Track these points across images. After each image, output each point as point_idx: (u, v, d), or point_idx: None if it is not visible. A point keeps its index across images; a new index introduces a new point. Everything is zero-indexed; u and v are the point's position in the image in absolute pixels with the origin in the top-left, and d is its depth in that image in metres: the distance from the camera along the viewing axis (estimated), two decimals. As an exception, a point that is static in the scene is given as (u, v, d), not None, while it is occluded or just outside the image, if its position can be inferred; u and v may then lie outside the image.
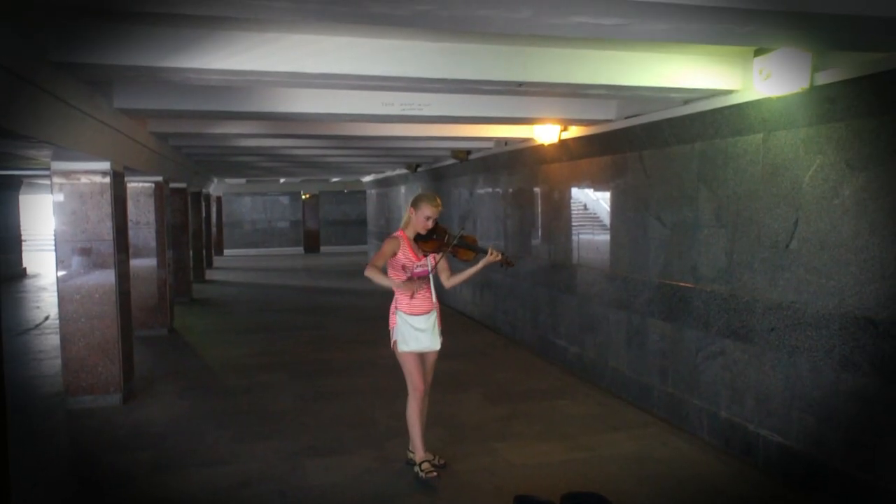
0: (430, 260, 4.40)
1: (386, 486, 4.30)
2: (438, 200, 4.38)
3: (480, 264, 4.39)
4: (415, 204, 4.35)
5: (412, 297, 4.30)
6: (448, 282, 4.48)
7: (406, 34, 3.92)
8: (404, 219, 4.42)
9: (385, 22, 3.04)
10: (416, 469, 4.38)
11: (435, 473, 4.32)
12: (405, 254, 4.32)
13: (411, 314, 4.32)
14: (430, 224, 4.32)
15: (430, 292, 4.39)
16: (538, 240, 8.22)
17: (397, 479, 4.38)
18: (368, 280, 4.20)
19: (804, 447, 4.21)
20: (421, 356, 4.40)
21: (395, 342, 4.36)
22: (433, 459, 4.51)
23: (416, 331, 4.31)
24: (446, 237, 4.39)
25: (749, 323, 4.61)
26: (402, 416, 4.57)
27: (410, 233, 4.37)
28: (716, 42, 3.59)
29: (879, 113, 3.67)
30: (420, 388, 4.37)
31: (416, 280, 4.33)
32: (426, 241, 4.35)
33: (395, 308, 4.36)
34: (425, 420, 4.54)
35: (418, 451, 4.42)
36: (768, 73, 4.05)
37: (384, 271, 4.28)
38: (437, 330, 4.42)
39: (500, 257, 4.30)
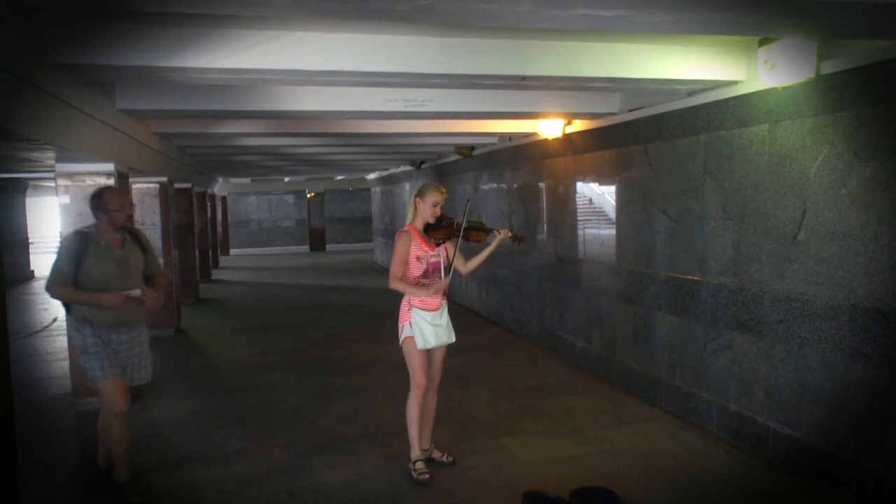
0: (442, 251, 4.39)
1: (394, 484, 4.29)
2: (443, 188, 4.41)
3: (494, 244, 4.42)
4: (420, 193, 4.36)
5: (438, 291, 4.29)
6: (464, 267, 4.46)
7: (407, 30, 3.90)
8: (410, 212, 4.44)
9: (386, 17, 3.03)
10: (410, 466, 4.37)
11: (427, 475, 4.30)
12: (418, 246, 4.32)
13: (426, 310, 4.30)
14: (437, 211, 4.35)
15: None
16: (543, 235, 8.19)
17: (406, 477, 4.37)
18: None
19: (814, 439, 4.18)
20: (428, 353, 4.40)
21: (407, 338, 4.32)
22: (441, 456, 4.54)
23: (433, 326, 4.30)
24: (455, 223, 4.40)
25: (757, 315, 4.58)
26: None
27: (419, 224, 4.38)
28: (719, 32, 3.56)
29: (887, 101, 3.63)
30: (422, 386, 4.36)
31: (435, 276, 4.34)
32: (436, 229, 4.37)
33: (410, 304, 4.33)
34: (433, 416, 4.55)
35: (414, 449, 4.40)
36: (773, 63, 4.02)
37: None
38: (450, 323, 4.42)
39: (510, 234, 4.40)
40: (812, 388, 4.17)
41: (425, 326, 4.28)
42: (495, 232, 4.39)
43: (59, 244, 4.07)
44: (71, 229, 4.21)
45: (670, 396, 5.60)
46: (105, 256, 3.99)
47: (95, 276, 3.92)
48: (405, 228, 4.37)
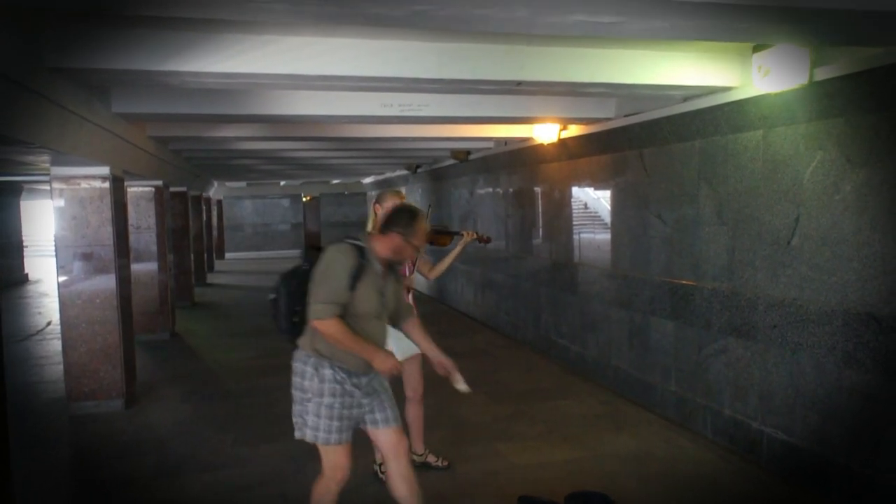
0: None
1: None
2: (402, 192, 4.38)
3: (459, 246, 4.46)
4: (380, 200, 4.30)
5: None
6: (431, 273, 4.45)
7: (404, 35, 3.91)
8: (370, 221, 4.33)
9: (383, 22, 3.04)
10: (377, 468, 4.37)
11: None
12: None
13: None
14: None
15: (406, 295, 4.35)
16: (539, 239, 8.21)
17: (374, 478, 4.35)
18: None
19: (808, 444, 4.19)
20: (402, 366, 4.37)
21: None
22: (436, 461, 4.54)
23: (395, 339, 4.24)
24: None
25: (751, 320, 4.59)
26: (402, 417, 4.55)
27: None
28: (714, 39, 3.58)
29: (879, 108, 3.66)
30: None
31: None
32: None
33: None
34: (422, 425, 4.52)
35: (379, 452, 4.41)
36: (767, 69, 4.04)
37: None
38: None
39: (475, 235, 4.45)
40: (805, 393, 4.19)
41: (393, 342, 4.22)
42: (461, 234, 4.42)
43: (327, 260, 2.98)
44: (336, 243, 3.04)
45: (665, 401, 5.61)
46: (376, 285, 3.04)
47: (362, 309, 3.00)
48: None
